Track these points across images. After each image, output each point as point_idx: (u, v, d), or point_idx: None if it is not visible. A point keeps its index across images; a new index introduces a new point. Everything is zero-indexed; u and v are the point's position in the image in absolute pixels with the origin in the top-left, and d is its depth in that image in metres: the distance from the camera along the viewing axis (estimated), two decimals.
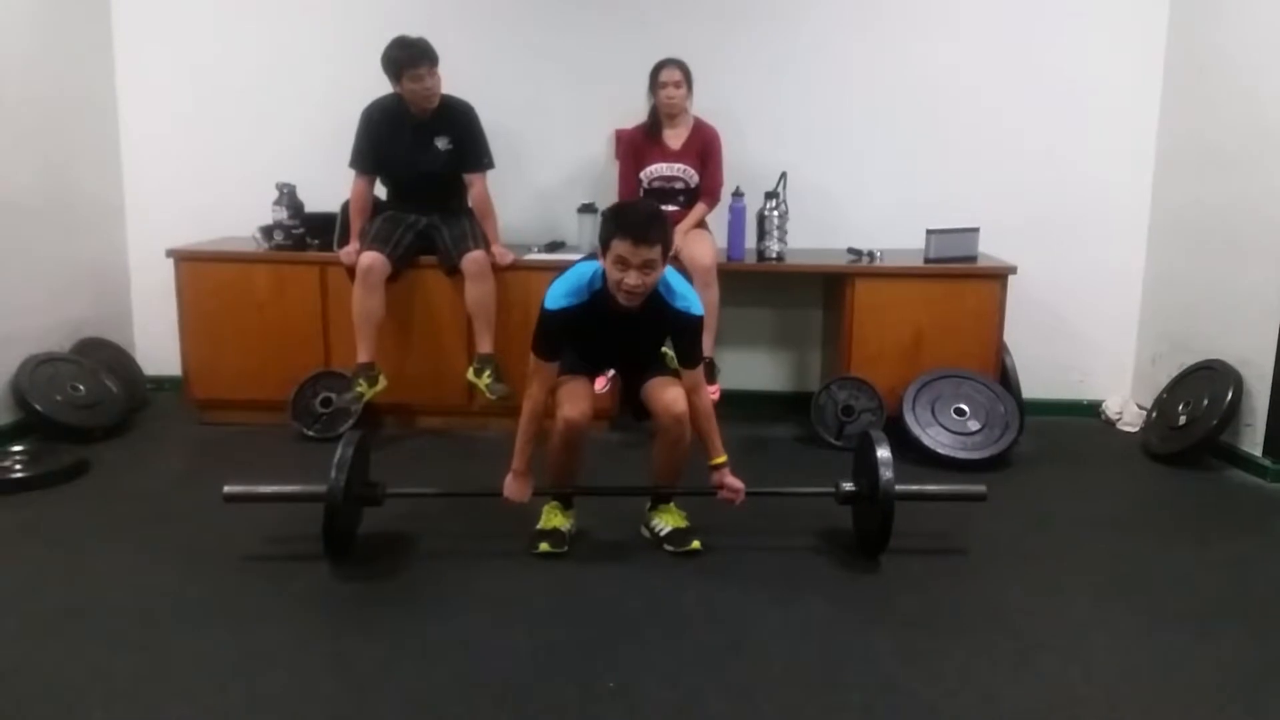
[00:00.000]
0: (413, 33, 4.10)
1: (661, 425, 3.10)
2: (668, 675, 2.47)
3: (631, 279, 2.80)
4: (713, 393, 4.12)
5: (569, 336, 3.03)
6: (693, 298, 3.00)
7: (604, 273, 2.89)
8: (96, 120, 4.83)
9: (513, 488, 3.12)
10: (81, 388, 4.30)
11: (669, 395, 3.06)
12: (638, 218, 2.82)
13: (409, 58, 4.03)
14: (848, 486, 3.21)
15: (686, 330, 3.01)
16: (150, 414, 4.70)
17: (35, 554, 3.15)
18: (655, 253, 2.79)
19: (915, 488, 3.24)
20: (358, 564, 3.11)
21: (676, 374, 3.13)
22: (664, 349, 3.20)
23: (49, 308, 4.47)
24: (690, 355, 3.04)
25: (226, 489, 3.15)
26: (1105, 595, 2.97)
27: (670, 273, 2.99)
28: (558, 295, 2.94)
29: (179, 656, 2.55)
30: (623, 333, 3.02)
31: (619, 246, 2.78)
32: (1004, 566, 3.16)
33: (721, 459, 3.12)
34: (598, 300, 2.93)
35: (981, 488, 3.28)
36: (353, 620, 2.77)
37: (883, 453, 3.05)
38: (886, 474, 3.00)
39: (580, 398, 3.09)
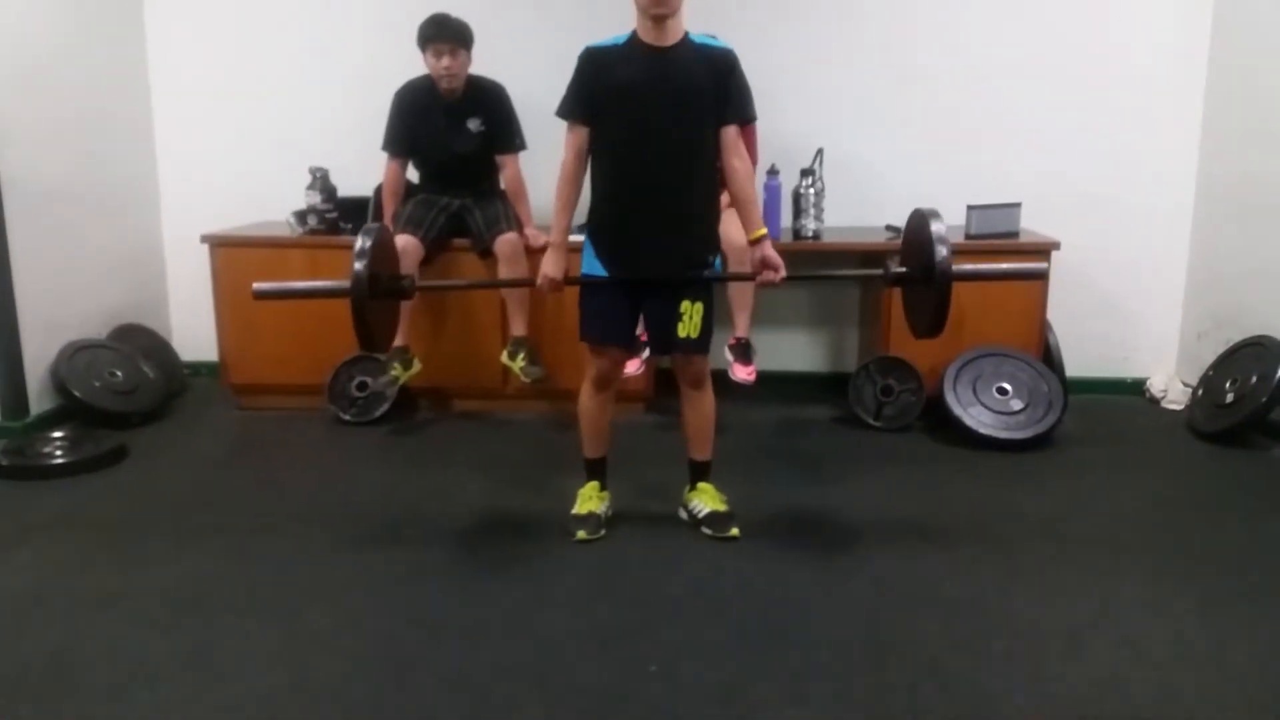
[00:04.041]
0: (451, 13, 4.08)
1: (680, 385, 3.14)
2: (712, 658, 2.45)
3: None
4: (749, 374, 4.09)
5: (602, 103, 2.92)
6: (726, 44, 2.98)
7: (633, 32, 2.89)
8: (130, 107, 4.84)
9: (549, 261, 3.06)
10: (119, 374, 4.32)
11: (683, 359, 3.07)
12: None
13: (434, 33, 4.02)
14: (897, 268, 2.95)
15: (726, 68, 2.92)
16: (188, 399, 4.72)
17: (77, 539, 3.17)
18: None
19: (970, 267, 2.98)
20: (397, 545, 3.11)
21: (693, 345, 3.04)
22: (685, 306, 2.99)
23: (86, 295, 4.50)
24: (736, 103, 2.95)
25: (256, 286, 3.03)
26: (1153, 576, 2.91)
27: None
28: (595, 41, 2.94)
29: (222, 639, 2.55)
30: (660, 87, 2.87)
31: None
32: (1049, 547, 3.10)
33: (760, 232, 3.00)
34: (630, 45, 2.90)
35: (1043, 265, 3.12)
36: (393, 602, 2.77)
37: (938, 227, 2.77)
38: (943, 251, 2.71)
39: (610, 355, 3.10)
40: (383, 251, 3.01)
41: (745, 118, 2.99)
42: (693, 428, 3.21)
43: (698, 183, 2.98)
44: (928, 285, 2.77)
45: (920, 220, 2.86)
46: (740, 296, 4.09)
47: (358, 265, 2.82)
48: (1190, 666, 2.42)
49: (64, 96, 4.36)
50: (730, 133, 2.95)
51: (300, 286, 3.12)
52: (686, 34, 2.91)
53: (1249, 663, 2.44)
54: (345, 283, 2.84)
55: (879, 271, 2.99)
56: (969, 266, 2.92)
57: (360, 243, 2.87)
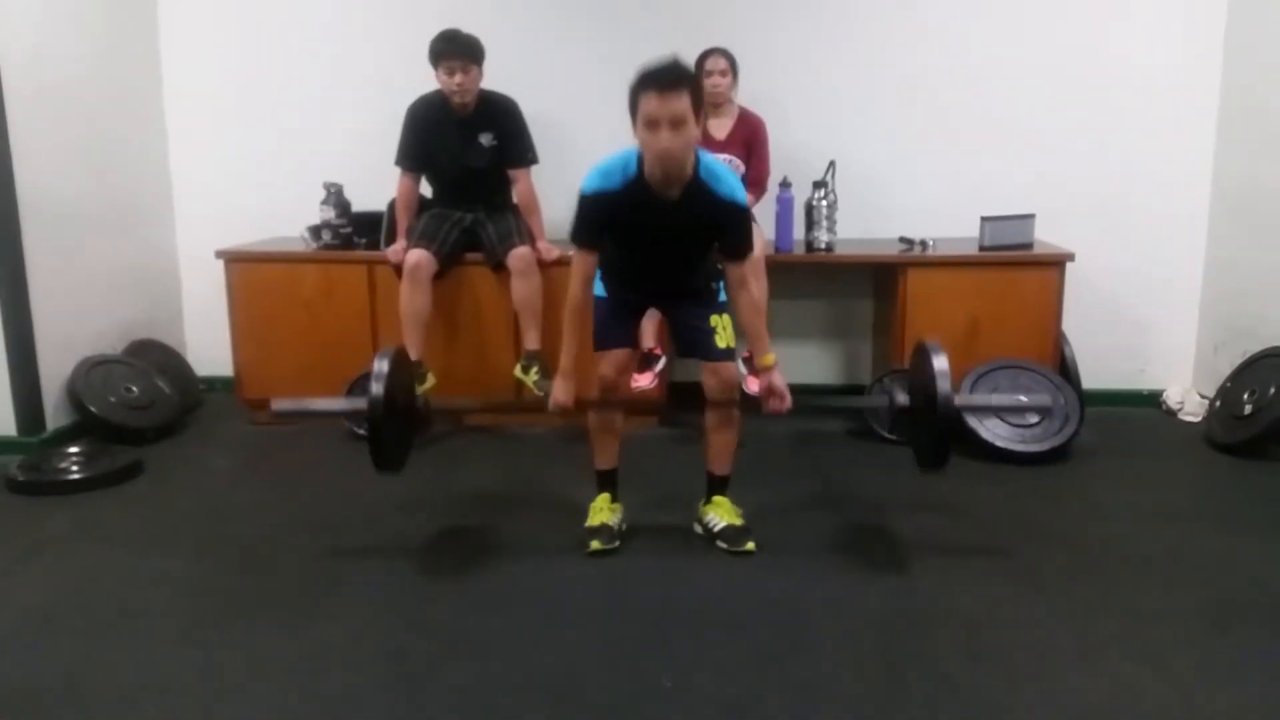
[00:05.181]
0: (461, 28, 4.10)
1: (706, 390, 3.10)
2: (725, 673, 2.43)
3: (663, 138, 2.68)
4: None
5: (609, 230, 2.93)
6: (736, 185, 2.88)
7: (639, 158, 2.81)
8: (144, 124, 4.88)
9: (559, 388, 3.05)
10: (135, 389, 4.34)
11: (714, 368, 3.06)
12: (661, 68, 2.71)
13: (445, 49, 4.05)
14: (902, 399, 3.05)
15: (732, 221, 2.88)
16: (202, 414, 4.73)
17: (92, 554, 3.18)
18: (684, 103, 2.67)
19: (977, 400, 3.09)
20: (408, 559, 3.11)
21: (724, 355, 3.06)
22: (714, 320, 3.06)
23: (102, 310, 4.52)
24: (737, 246, 2.92)
25: (275, 404, 3.13)
26: (1172, 590, 2.88)
27: (709, 157, 2.90)
28: (592, 177, 2.87)
29: (235, 655, 2.55)
30: (664, 228, 2.89)
31: (646, 104, 2.68)
32: (1067, 561, 3.07)
33: (769, 359, 2.99)
34: (635, 188, 2.83)
35: (1047, 398, 3.15)
36: (406, 617, 2.76)
37: (940, 363, 2.87)
38: (944, 385, 2.83)
39: (617, 361, 3.10)
40: (400, 373, 3.08)
41: (750, 252, 2.99)
42: (716, 444, 3.19)
43: (700, 271, 3.09)
44: (931, 418, 2.89)
45: (923, 355, 2.97)
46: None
47: (376, 388, 2.91)
48: (1210, 682, 2.39)
49: (79, 114, 4.39)
50: (735, 269, 2.94)
51: (320, 406, 3.24)
52: (697, 168, 2.82)
53: (1271, 679, 2.40)
54: (362, 403, 2.95)
55: (884, 402, 3.08)
56: (974, 400, 3.07)
57: (378, 365, 2.96)
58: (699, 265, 3.08)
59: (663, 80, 2.67)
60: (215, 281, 4.47)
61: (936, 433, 2.88)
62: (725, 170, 2.89)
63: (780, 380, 2.98)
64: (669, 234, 2.92)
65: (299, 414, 3.17)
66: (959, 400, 2.85)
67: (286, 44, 4.86)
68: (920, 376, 3.01)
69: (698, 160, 2.82)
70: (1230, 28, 4.50)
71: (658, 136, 2.69)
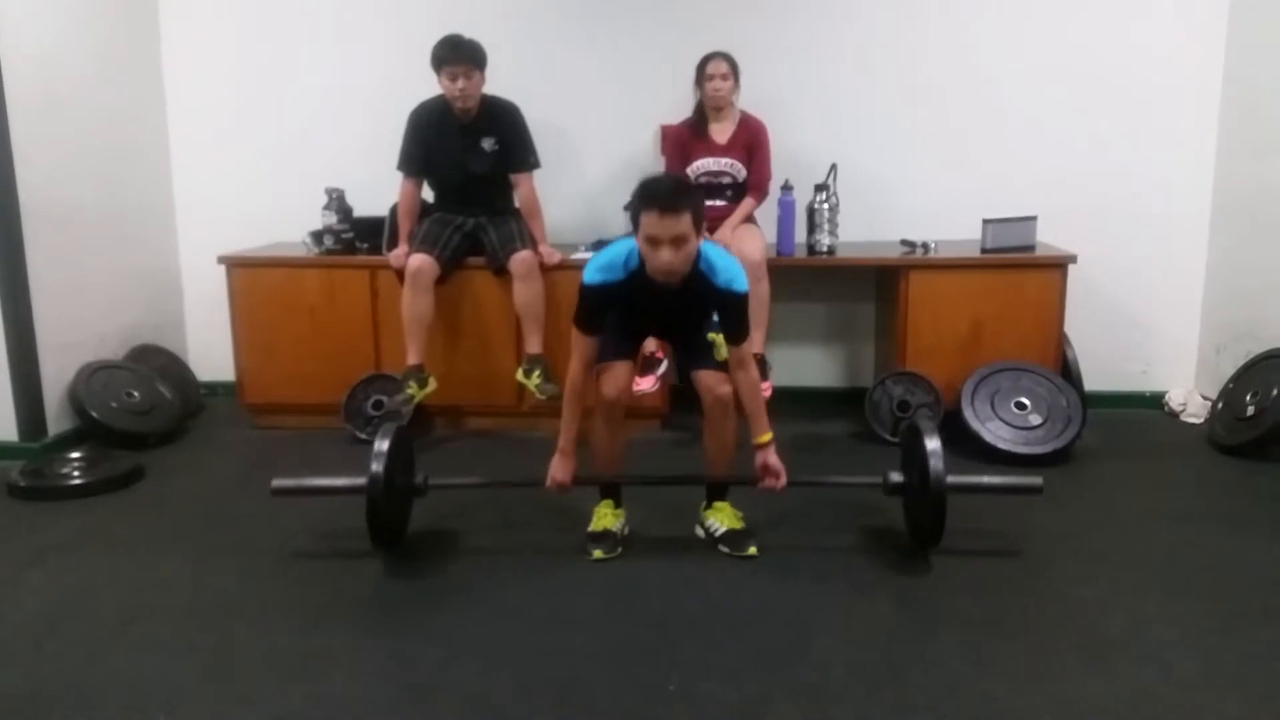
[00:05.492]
0: (462, 32, 4.11)
1: (705, 408, 3.11)
2: (730, 677, 2.43)
3: (664, 256, 2.73)
4: (765, 390, 4.07)
5: (611, 310, 2.99)
6: (736, 272, 2.90)
7: (641, 252, 2.84)
8: (146, 129, 4.88)
9: (557, 466, 3.08)
10: (136, 394, 4.34)
11: (712, 378, 3.07)
12: (663, 188, 2.78)
13: (448, 55, 4.05)
14: (896, 478, 3.12)
15: (731, 307, 2.93)
16: (204, 419, 4.74)
17: (94, 559, 3.18)
18: (685, 224, 2.72)
19: (968, 479, 3.15)
20: (414, 564, 3.10)
21: (723, 366, 3.07)
22: (711, 336, 3.11)
23: (104, 316, 4.52)
24: (736, 332, 2.96)
25: (275, 483, 3.17)
26: (1177, 592, 2.87)
27: (711, 248, 2.93)
28: (594, 270, 2.90)
29: (239, 659, 2.55)
30: (664, 310, 2.99)
31: (647, 222, 2.73)
32: (1070, 564, 3.07)
33: (766, 438, 3.04)
34: (635, 278, 2.88)
35: (1038, 480, 3.19)
36: (410, 621, 2.76)
37: (932, 443, 2.95)
38: (937, 465, 2.90)
39: (619, 379, 3.10)
40: (400, 451, 3.11)
41: (749, 336, 3.02)
42: (714, 451, 3.19)
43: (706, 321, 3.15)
44: (924, 495, 2.96)
45: (915, 434, 3.04)
46: (755, 313, 4.09)
47: (375, 466, 2.94)
48: (1218, 686, 2.38)
49: (81, 120, 4.39)
50: (734, 351, 2.98)
51: (320, 484, 3.24)
52: (697, 261, 2.85)
53: (1277, 681, 2.40)
54: (362, 480, 2.97)
55: (878, 481, 3.15)
56: (965, 480, 3.11)
57: (379, 444, 2.99)
58: (699, 323, 3.16)
59: (664, 202, 2.71)
60: (217, 286, 4.47)
61: (930, 511, 2.95)
62: (724, 259, 2.93)
63: (775, 458, 3.05)
64: (669, 314, 3.04)
65: (300, 492, 3.21)
66: (951, 479, 2.92)
67: (288, 50, 4.86)
68: (913, 455, 3.08)
69: (698, 253, 2.86)
70: (1232, 29, 4.50)
71: (659, 253, 2.75)
